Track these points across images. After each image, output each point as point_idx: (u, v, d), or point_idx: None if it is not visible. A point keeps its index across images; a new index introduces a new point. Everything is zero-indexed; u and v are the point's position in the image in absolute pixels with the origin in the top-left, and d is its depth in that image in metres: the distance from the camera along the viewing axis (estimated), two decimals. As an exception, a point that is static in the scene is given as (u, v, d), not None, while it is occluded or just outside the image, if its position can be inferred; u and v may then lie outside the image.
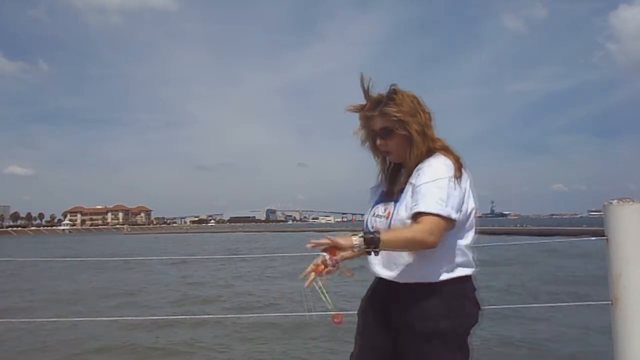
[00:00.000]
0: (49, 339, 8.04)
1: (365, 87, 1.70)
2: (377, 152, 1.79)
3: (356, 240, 1.49)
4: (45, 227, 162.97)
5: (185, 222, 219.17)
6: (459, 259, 1.63)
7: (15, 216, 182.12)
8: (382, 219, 1.70)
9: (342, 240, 1.50)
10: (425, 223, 1.52)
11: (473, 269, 1.67)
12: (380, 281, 1.74)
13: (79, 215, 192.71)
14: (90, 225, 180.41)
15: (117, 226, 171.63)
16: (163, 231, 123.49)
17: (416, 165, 1.65)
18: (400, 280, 1.65)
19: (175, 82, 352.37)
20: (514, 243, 26.31)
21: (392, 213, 1.67)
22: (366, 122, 1.74)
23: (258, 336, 7.93)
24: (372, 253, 1.54)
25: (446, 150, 1.67)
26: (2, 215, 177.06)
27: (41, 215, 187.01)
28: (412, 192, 1.62)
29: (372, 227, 1.70)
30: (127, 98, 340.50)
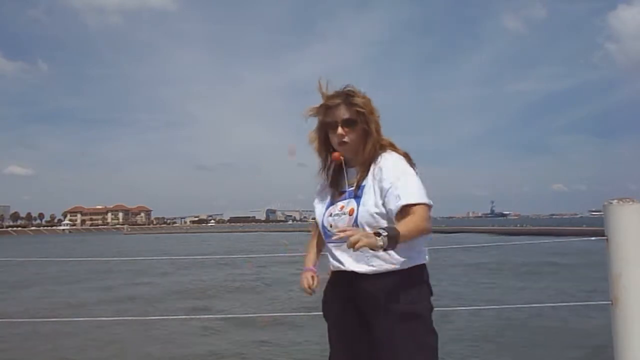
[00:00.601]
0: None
1: (324, 88, 1.77)
2: (323, 149, 1.82)
3: (380, 240, 1.44)
4: (45, 227, 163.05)
5: (185, 222, 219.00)
6: (421, 247, 1.73)
7: (15, 216, 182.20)
8: (344, 216, 1.72)
9: (366, 239, 1.43)
10: (421, 213, 1.60)
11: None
12: (341, 275, 1.75)
13: (79, 215, 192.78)
14: (90, 225, 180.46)
15: (117, 226, 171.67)
16: (163, 231, 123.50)
17: (368, 162, 1.73)
18: (376, 271, 1.66)
19: (175, 82, 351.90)
20: (514, 243, 26.31)
21: (356, 209, 1.70)
22: (325, 112, 1.76)
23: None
24: (385, 249, 1.48)
25: (394, 147, 1.76)
26: (2, 215, 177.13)
27: (41, 215, 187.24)
28: (382, 188, 1.66)
29: (331, 226, 1.75)
30: (127, 98, 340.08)
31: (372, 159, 1.74)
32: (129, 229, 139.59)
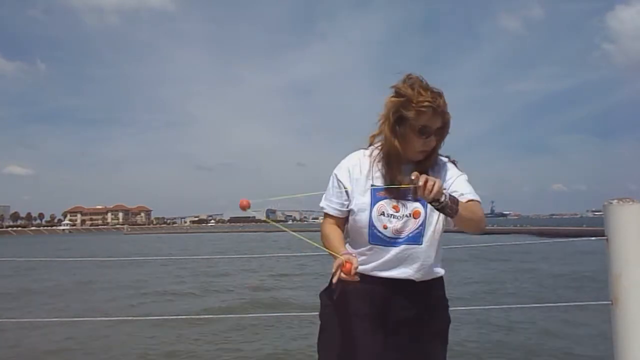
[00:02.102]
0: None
1: (420, 83, 1.63)
2: (393, 141, 1.63)
3: (443, 198, 1.44)
4: (45, 227, 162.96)
5: (185, 222, 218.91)
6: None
7: (15, 216, 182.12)
8: (406, 219, 1.63)
9: (438, 186, 1.42)
10: (481, 209, 1.63)
11: None
12: (379, 283, 1.64)
13: (79, 215, 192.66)
14: (90, 225, 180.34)
15: (117, 226, 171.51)
16: (163, 231, 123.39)
17: (427, 167, 1.66)
18: (424, 278, 1.66)
19: (175, 82, 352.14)
20: (514, 243, 26.27)
21: (424, 212, 1.63)
22: (421, 112, 1.58)
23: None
24: (443, 210, 1.47)
25: (440, 155, 1.75)
26: (2, 215, 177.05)
27: (41, 215, 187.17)
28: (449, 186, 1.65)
29: (385, 227, 1.63)
30: (127, 98, 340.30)
31: (432, 163, 1.69)
32: (129, 229, 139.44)
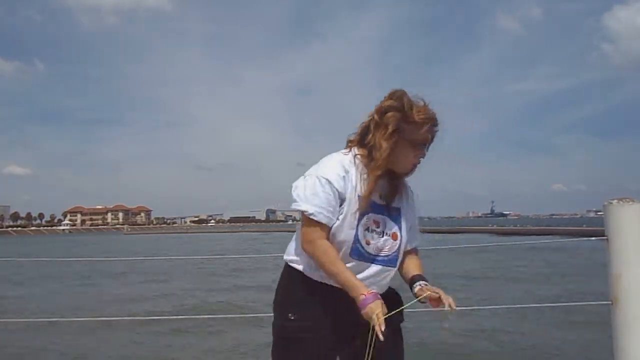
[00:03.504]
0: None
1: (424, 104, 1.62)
2: (391, 157, 1.60)
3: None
4: (45, 227, 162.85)
5: (185, 222, 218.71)
6: None
7: (15, 216, 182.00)
8: (387, 239, 1.63)
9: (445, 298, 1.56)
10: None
11: None
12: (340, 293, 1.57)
13: (79, 215, 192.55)
14: (90, 225, 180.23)
15: (117, 226, 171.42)
16: (163, 231, 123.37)
17: (402, 185, 1.71)
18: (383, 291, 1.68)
19: (175, 82, 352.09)
20: (514, 243, 26.29)
21: (400, 236, 1.66)
22: (423, 128, 1.59)
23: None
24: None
25: None
26: (2, 215, 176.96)
27: (41, 215, 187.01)
28: (411, 220, 1.72)
29: (368, 243, 1.60)
30: (127, 98, 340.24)
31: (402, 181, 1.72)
32: (129, 229, 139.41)
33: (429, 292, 1.55)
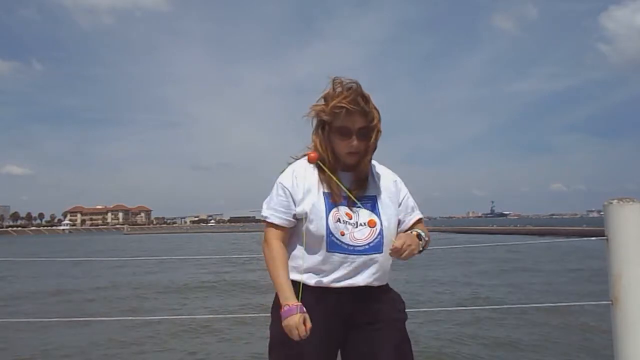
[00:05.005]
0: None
1: (337, 86, 1.63)
2: (327, 149, 1.65)
3: (420, 246, 1.64)
4: (45, 227, 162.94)
5: (185, 222, 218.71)
6: None
7: (15, 216, 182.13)
8: (362, 227, 1.63)
9: (415, 246, 1.59)
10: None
11: None
12: (338, 292, 1.62)
13: (79, 215, 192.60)
14: (90, 225, 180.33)
15: (117, 226, 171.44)
16: (163, 231, 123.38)
17: (365, 172, 1.69)
18: (380, 283, 1.68)
19: (175, 82, 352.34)
20: (514, 243, 26.31)
21: (379, 222, 1.65)
22: (337, 115, 1.60)
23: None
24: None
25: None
26: (2, 215, 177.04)
27: (41, 215, 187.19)
28: (399, 202, 1.73)
29: (342, 234, 1.61)
30: (126, 98, 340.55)
31: (368, 169, 1.71)
32: (129, 229, 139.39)
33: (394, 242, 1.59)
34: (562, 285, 13.16)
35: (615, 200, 1.83)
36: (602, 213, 1.89)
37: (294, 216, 1.66)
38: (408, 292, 11.42)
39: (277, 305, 1.65)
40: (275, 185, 1.69)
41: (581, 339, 7.34)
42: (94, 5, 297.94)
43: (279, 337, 1.61)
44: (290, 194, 1.65)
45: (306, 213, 1.62)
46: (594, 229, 29.24)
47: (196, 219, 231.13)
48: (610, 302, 1.83)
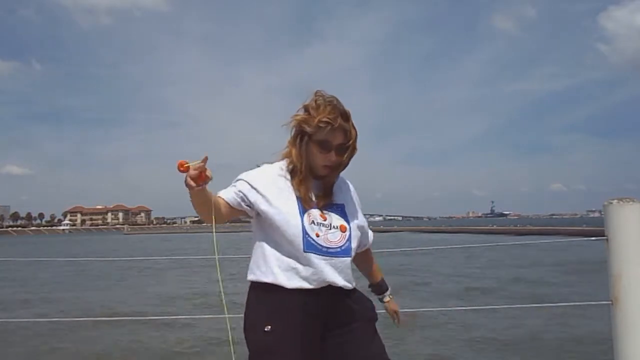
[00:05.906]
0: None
1: (320, 100, 1.66)
2: (303, 159, 1.69)
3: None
4: (45, 227, 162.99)
5: (185, 222, 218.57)
6: None
7: (15, 216, 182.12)
8: (335, 231, 1.69)
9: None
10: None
11: None
12: (315, 291, 1.64)
13: (79, 215, 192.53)
14: (90, 225, 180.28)
15: (117, 226, 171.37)
16: (163, 231, 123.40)
17: (332, 182, 1.75)
18: (351, 286, 1.71)
19: (175, 82, 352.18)
20: (514, 243, 26.30)
21: (349, 228, 1.72)
22: (320, 129, 1.64)
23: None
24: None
25: None
26: (2, 215, 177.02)
27: (41, 215, 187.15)
28: (359, 218, 1.79)
29: (318, 235, 1.65)
30: (126, 98, 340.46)
31: (335, 179, 1.77)
32: (129, 229, 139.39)
33: (393, 311, 1.95)
34: (562, 285, 13.17)
35: (615, 200, 1.83)
36: (602, 213, 1.89)
37: (246, 206, 1.71)
38: (408, 293, 11.41)
39: (251, 325, 1.66)
40: (239, 181, 1.74)
41: (581, 339, 7.34)
42: (93, 5, 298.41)
43: (260, 348, 1.62)
44: (256, 190, 1.69)
45: (280, 212, 1.65)
46: (594, 229, 29.24)
47: (196, 219, 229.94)
48: (610, 302, 1.83)
